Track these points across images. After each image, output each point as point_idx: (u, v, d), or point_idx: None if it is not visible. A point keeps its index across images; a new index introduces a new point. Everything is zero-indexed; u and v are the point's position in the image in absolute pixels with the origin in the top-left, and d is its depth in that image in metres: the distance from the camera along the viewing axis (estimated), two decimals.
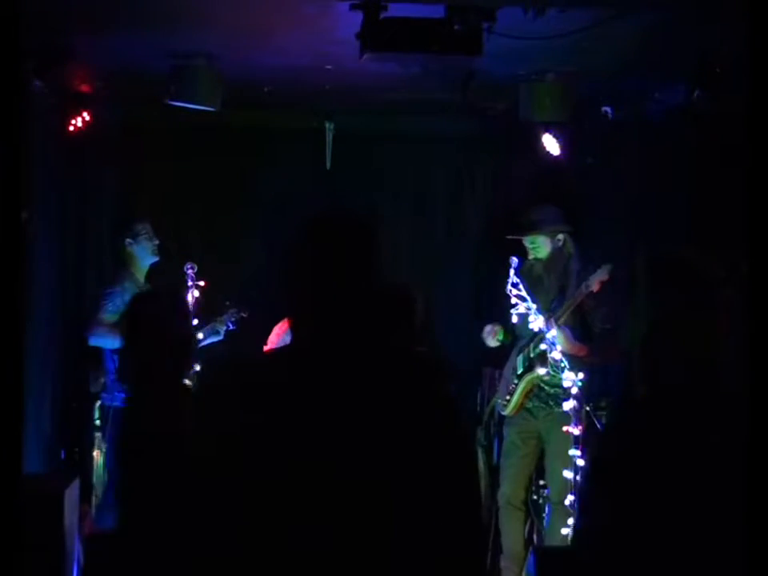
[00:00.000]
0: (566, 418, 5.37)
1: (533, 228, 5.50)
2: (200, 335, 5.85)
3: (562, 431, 5.32)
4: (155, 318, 3.29)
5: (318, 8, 4.32)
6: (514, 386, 5.51)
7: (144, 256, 5.91)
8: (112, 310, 5.63)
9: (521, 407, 5.50)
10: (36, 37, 4.54)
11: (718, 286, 2.38)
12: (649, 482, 2.47)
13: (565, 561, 4.31)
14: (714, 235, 5.16)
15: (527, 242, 5.53)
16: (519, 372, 5.52)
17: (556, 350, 5.25)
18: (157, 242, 5.93)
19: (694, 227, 5.51)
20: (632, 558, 2.55)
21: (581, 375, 5.18)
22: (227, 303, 6.12)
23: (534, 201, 5.78)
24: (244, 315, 6.14)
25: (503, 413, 5.59)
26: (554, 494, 5.45)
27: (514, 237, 5.54)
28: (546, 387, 5.46)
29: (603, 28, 4.32)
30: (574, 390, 5.16)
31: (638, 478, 2.50)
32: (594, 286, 5.27)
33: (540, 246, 5.51)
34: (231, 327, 6.11)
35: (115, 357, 5.65)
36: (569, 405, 5.19)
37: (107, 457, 5.81)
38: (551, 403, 5.45)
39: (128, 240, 5.87)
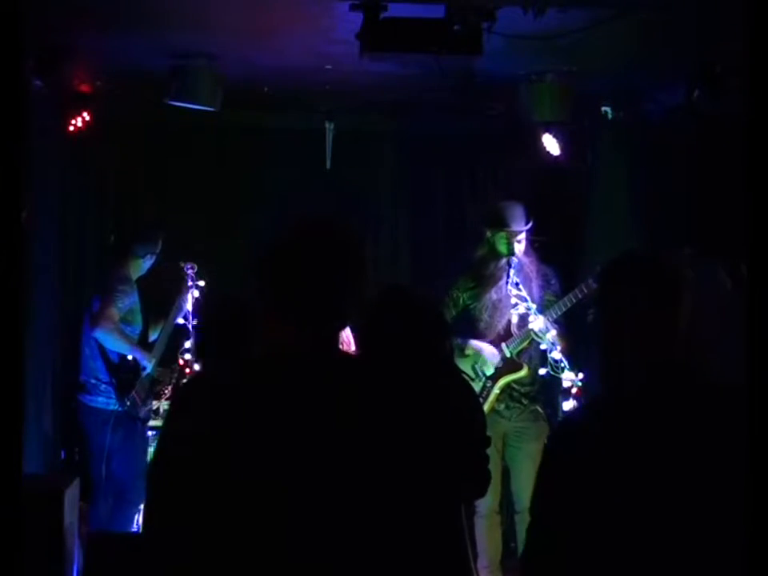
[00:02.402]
0: (538, 414, 5.35)
1: (523, 221, 5.37)
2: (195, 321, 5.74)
3: (535, 429, 5.29)
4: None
5: (318, 8, 4.32)
6: (487, 388, 5.39)
7: (143, 270, 5.82)
8: (121, 307, 5.58)
9: (491, 411, 5.33)
10: (36, 36, 4.54)
11: (684, 285, 2.34)
12: (602, 487, 2.38)
13: None
14: (713, 235, 5.16)
15: (516, 237, 5.38)
16: (489, 374, 5.41)
17: (556, 349, 5.22)
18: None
19: (694, 227, 5.51)
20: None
21: (581, 375, 5.18)
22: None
23: (534, 201, 5.75)
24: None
25: None
26: (525, 498, 5.23)
27: (517, 230, 5.37)
28: (518, 386, 5.41)
29: (603, 28, 4.32)
30: (574, 390, 5.16)
31: (591, 484, 2.42)
32: None
33: (522, 242, 5.43)
34: None
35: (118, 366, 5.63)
36: (569, 405, 5.18)
37: (109, 460, 5.71)
38: (525, 402, 5.40)
39: (149, 254, 5.78)
